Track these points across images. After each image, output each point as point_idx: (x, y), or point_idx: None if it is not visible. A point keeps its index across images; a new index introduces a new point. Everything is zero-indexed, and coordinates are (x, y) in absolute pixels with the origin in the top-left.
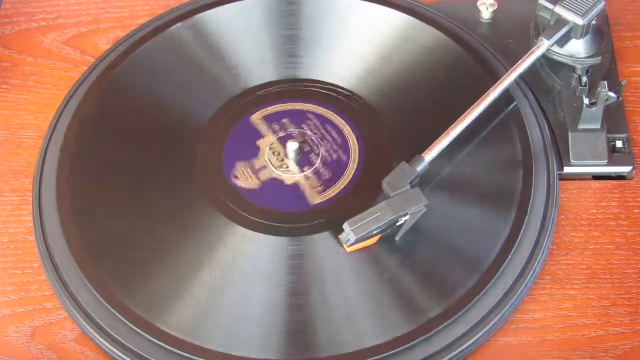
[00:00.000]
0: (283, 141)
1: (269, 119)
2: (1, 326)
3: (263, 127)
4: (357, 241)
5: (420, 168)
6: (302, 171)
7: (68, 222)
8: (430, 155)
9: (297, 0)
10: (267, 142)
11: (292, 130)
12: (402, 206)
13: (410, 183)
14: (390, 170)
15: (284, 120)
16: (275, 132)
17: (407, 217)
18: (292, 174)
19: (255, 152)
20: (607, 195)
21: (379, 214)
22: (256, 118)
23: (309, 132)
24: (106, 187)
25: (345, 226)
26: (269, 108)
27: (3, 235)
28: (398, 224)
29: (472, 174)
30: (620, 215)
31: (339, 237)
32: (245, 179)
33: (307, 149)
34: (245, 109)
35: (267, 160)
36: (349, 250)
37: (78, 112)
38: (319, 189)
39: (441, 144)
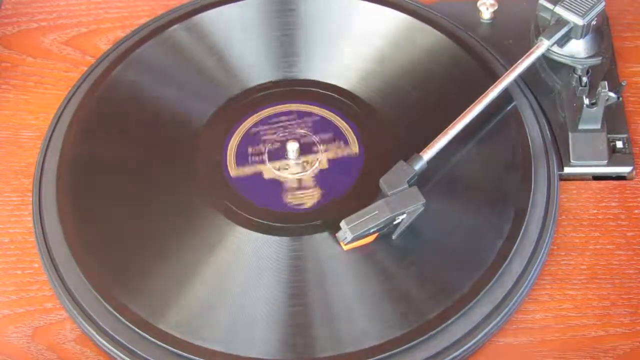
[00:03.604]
0: (283, 141)
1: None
2: (1, 326)
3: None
4: (354, 239)
5: (418, 167)
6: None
7: (68, 222)
8: (428, 154)
9: (296, 0)
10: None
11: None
12: (399, 205)
13: (408, 182)
14: None
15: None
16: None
17: (404, 215)
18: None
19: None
20: (607, 196)
21: (376, 212)
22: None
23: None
24: (106, 187)
25: (342, 224)
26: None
27: (3, 235)
28: (395, 223)
29: (472, 173)
30: (620, 215)
31: (336, 235)
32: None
33: (306, 149)
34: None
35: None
36: (345, 248)
37: (78, 112)
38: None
39: (439, 143)
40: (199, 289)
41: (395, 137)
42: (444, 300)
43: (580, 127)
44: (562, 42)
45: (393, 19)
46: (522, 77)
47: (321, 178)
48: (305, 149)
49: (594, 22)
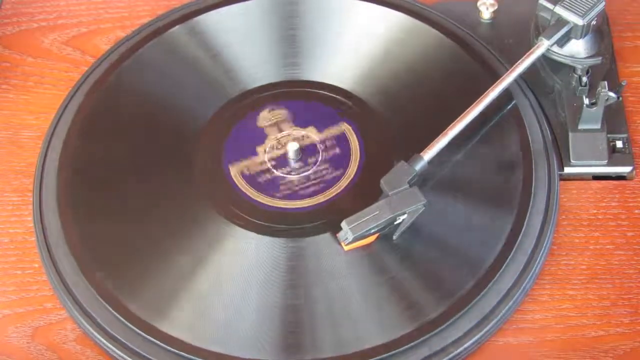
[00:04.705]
0: (283, 142)
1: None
2: (1, 326)
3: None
4: (355, 239)
5: (418, 167)
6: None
7: (68, 222)
8: (428, 154)
9: (297, 1)
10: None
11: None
12: (400, 205)
13: (409, 182)
14: None
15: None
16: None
17: (405, 215)
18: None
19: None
20: (607, 195)
21: (376, 212)
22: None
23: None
24: (106, 187)
25: (343, 224)
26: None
27: (3, 235)
28: (396, 223)
29: (472, 173)
30: (620, 215)
31: (337, 235)
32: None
33: (307, 149)
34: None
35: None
36: (346, 248)
37: (78, 112)
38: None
39: (440, 143)
40: (199, 289)
41: (396, 137)
42: (444, 300)
43: (580, 127)
44: (562, 42)
45: (393, 19)
46: (523, 77)
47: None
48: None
49: (594, 22)
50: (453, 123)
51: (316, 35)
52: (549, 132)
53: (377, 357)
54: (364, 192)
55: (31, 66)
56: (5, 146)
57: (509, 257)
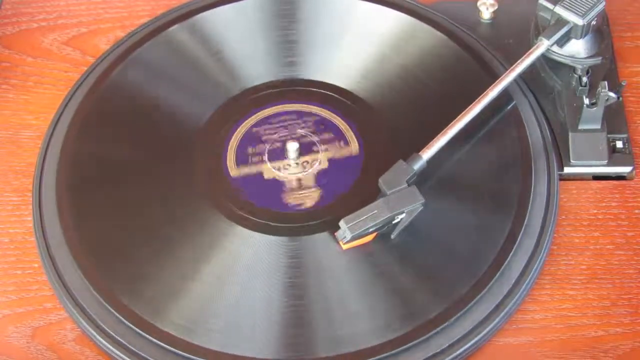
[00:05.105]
0: (283, 141)
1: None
2: (1, 326)
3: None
4: (353, 238)
5: (417, 166)
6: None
7: (68, 222)
8: (427, 153)
9: (297, 0)
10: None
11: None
12: (398, 204)
13: (407, 181)
14: None
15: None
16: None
17: (403, 215)
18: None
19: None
20: (607, 196)
21: (375, 211)
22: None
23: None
24: (106, 186)
25: (341, 223)
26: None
27: (3, 235)
28: (394, 222)
29: (472, 173)
30: (620, 215)
31: (335, 234)
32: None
33: (307, 148)
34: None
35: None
36: (344, 247)
37: (78, 112)
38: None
39: (439, 143)
40: (198, 289)
41: (395, 136)
42: (443, 300)
43: (580, 127)
44: (562, 42)
45: (393, 19)
46: (522, 76)
47: (321, 178)
48: (306, 148)
49: (594, 22)
50: (452, 122)
51: (316, 35)
52: (548, 132)
53: (377, 357)
54: (363, 191)
55: (31, 66)
56: (5, 146)
57: (509, 257)
